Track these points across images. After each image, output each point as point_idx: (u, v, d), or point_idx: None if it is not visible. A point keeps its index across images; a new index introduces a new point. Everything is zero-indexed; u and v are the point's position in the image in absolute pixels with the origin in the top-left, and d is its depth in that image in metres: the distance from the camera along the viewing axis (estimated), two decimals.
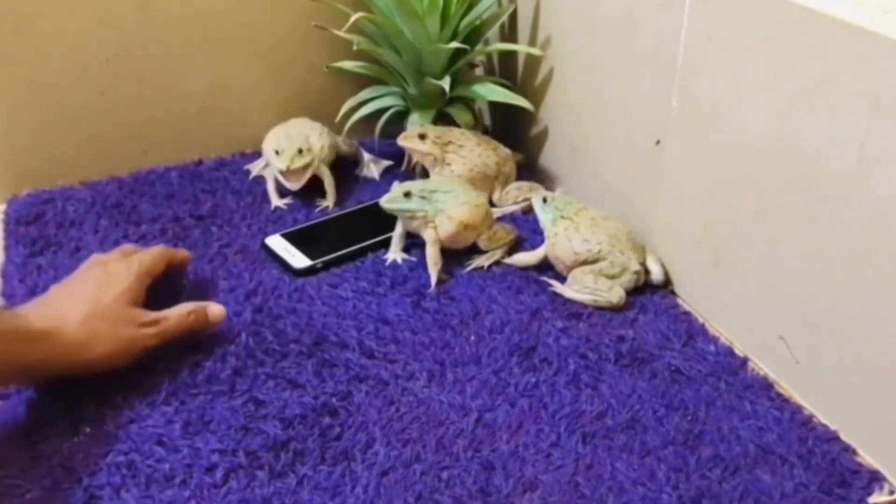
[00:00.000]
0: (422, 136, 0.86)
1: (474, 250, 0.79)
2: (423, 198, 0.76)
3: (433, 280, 0.75)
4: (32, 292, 0.74)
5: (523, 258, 0.78)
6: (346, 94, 0.92)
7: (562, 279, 0.76)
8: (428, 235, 0.76)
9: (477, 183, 0.86)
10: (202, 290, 0.75)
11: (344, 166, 0.94)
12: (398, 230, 0.79)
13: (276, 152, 0.85)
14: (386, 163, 0.95)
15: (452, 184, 0.80)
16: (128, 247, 0.71)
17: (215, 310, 0.68)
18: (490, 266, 0.78)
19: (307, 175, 0.86)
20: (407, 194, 0.76)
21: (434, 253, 0.76)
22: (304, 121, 0.91)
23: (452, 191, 0.78)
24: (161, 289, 0.70)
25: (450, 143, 0.86)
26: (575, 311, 0.73)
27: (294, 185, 0.86)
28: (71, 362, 0.60)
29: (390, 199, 0.76)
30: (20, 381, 0.63)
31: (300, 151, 0.85)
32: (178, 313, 0.66)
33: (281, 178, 0.86)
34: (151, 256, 0.69)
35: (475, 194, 0.80)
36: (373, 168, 0.94)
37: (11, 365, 0.58)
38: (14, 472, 0.57)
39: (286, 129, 0.89)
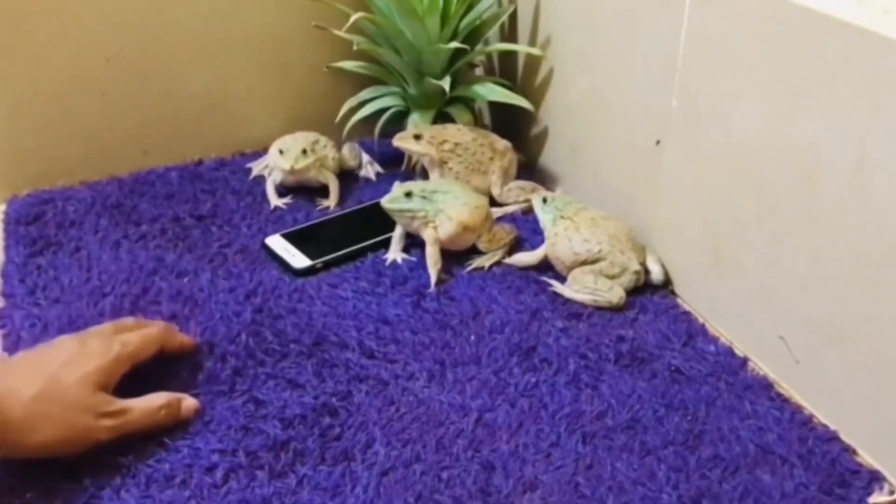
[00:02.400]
0: (417, 137, 0.86)
1: (474, 251, 0.79)
2: (423, 198, 0.76)
3: (433, 280, 0.75)
4: (32, 292, 0.74)
5: (523, 258, 0.78)
6: (346, 94, 0.92)
7: (562, 279, 0.76)
8: (428, 235, 0.76)
9: (475, 177, 0.86)
10: (197, 300, 0.75)
11: (344, 166, 0.94)
12: (398, 230, 0.80)
13: (281, 151, 0.86)
14: (379, 168, 0.95)
15: (452, 184, 0.80)
16: (127, 321, 0.65)
17: (189, 404, 0.62)
18: (490, 266, 0.78)
19: (310, 174, 0.87)
20: (408, 194, 0.76)
21: (434, 253, 0.76)
22: (311, 133, 0.91)
23: (452, 191, 0.78)
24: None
25: (445, 141, 0.86)
26: (575, 311, 0.73)
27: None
28: (11, 444, 0.54)
29: (391, 199, 0.76)
30: None
31: (304, 152, 0.86)
32: (146, 406, 0.59)
33: (284, 178, 0.87)
34: (140, 339, 0.62)
35: (475, 196, 0.80)
36: (370, 169, 0.94)
37: None
38: (14, 472, 0.57)
39: (293, 136, 0.90)
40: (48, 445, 0.55)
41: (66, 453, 0.56)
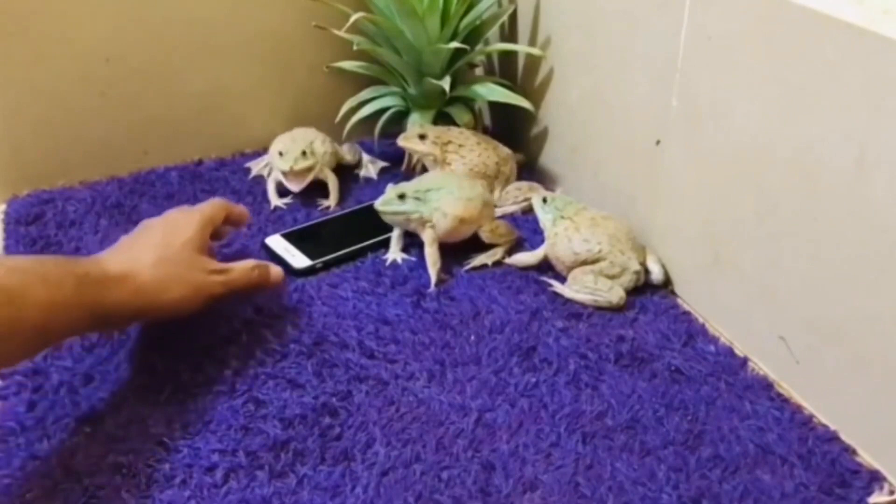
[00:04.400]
0: (421, 137, 0.86)
1: (476, 247, 0.79)
2: (417, 199, 0.76)
3: (433, 280, 0.75)
4: None
5: (523, 258, 0.78)
6: (346, 94, 0.92)
7: (562, 279, 0.76)
8: (426, 236, 0.76)
9: (477, 180, 0.86)
10: None
11: (344, 166, 0.94)
12: (397, 230, 0.79)
13: (280, 153, 0.86)
14: (381, 164, 0.95)
15: (445, 179, 0.79)
16: (183, 207, 0.72)
17: (276, 270, 0.70)
18: (491, 265, 0.78)
19: (309, 178, 0.87)
20: (401, 196, 0.76)
21: (433, 253, 0.76)
22: (309, 129, 0.91)
23: (445, 187, 0.77)
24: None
25: (449, 142, 0.87)
26: (575, 311, 0.73)
27: (296, 186, 0.86)
28: (146, 305, 0.61)
29: (385, 202, 0.76)
30: (95, 328, 0.63)
31: (304, 153, 0.86)
32: (242, 266, 0.68)
33: (283, 179, 0.87)
34: (211, 206, 0.70)
35: (469, 187, 0.78)
36: (370, 168, 0.94)
37: (87, 309, 0.56)
38: (14, 472, 0.57)
39: (291, 135, 0.90)
40: (177, 301, 0.62)
41: (192, 308, 0.64)
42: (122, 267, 0.60)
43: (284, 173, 0.86)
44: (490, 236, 0.79)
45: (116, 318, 0.61)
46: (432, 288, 0.75)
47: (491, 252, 0.79)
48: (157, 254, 0.62)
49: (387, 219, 0.77)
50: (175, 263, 0.63)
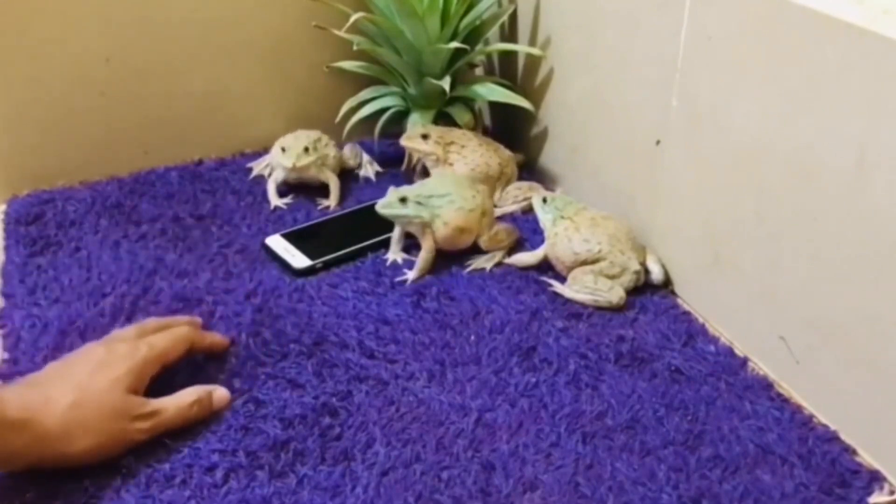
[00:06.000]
0: (424, 137, 0.86)
1: (475, 250, 0.79)
2: (418, 203, 0.76)
3: (412, 277, 0.76)
4: (32, 292, 0.74)
5: (523, 258, 0.78)
6: (346, 94, 0.92)
7: (562, 279, 0.76)
8: (425, 243, 0.76)
9: (479, 182, 0.86)
10: (204, 300, 0.75)
11: (345, 165, 0.94)
12: (397, 230, 0.79)
13: (283, 149, 0.87)
14: (378, 168, 0.95)
15: (448, 186, 0.79)
16: (150, 322, 0.65)
17: (220, 395, 0.62)
18: (491, 267, 0.78)
19: (311, 172, 0.87)
20: (403, 200, 0.76)
21: (427, 259, 0.76)
22: (313, 132, 0.91)
23: (448, 195, 0.77)
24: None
25: (452, 143, 0.87)
26: (575, 311, 0.73)
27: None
28: (49, 455, 0.55)
29: (386, 205, 0.76)
30: None
31: (306, 150, 0.86)
32: (178, 404, 0.60)
33: (285, 175, 0.88)
34: (168, 340, 0.62)
35: (471, 196, 0.78)
36: (369, 169, 0.94)
37: None
38: (14, 472, 0.57)
39: (295, 134, 0.90)
40: (87, 452, 0.55)
41: (104, 458, 0.57)
42: (23, 411, 0.53)
43: (287, 170, 0.87)
44: (489, 244, 0.79)
45: (11, 464, 0.56)
46: (410, 281, 0.75)
47: (490, 255, 0.79)
48: (73, 396, 0.55)
49: (389, 219, 0.77)
50: (91, 409, 0.55)
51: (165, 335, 0.63)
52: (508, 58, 0.97)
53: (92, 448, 0.56)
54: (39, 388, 0.56)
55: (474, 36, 0.91)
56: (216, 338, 0.67)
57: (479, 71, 1.00)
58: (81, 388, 0.56)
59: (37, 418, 0.53)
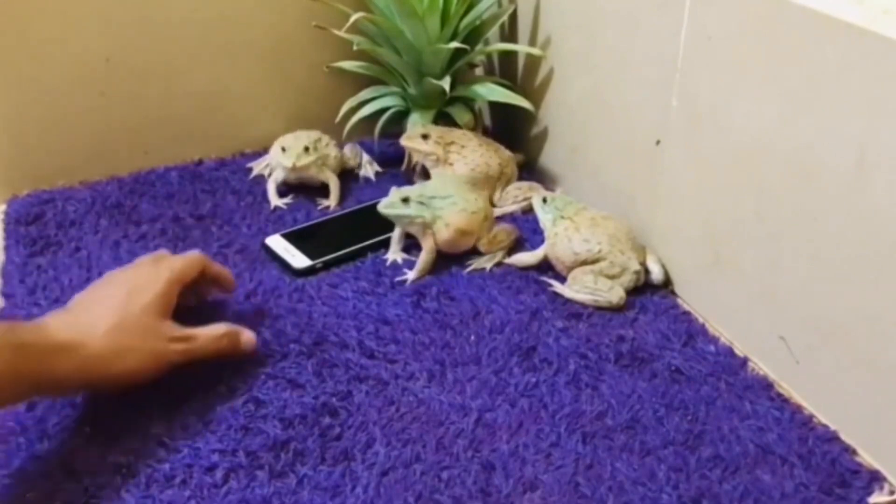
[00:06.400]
0: (424, 136, 0.86)
1: (475, 251, 0.79)
2: (421, 203, 0.76)
3: (412, 277, 0.75)
4: (32, 292, 0.74)
5: (523, 258, 0.78)
6: (346, 94, 0.92)
7: (562, 279, 0.76)
8: (426, 244, 0.76)
9: (479, 184, 0.86)
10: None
11: (345, 166, 0.94)
12: (397, 230, 0.79)
13: (283, 149, 0.87)
14: (377, 168, 0.95)
15: (450, 188, 0.79)
16: (162, 252, 0.67)
17: (247, 337, 0.65)
18: (490, 267, 0.78)
19: (311, 172, 0.87)
20: (405, 200, 0.76)
21: (427, 260, 0.76)
22: (313, 132, 0.91)
23: (450, 196, 0.77)
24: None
25: (452, 143, 0.87)
26: (575, 311, 0.73)
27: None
28: (96, 377, 0.57)
29: (388, 205, 0.76)
30: (42, 395, 0.60)
31: (306, 150, 0.86)
32: (209, 334, 0.62)
33: (285, 175, 0.88)
34: (185, 261, 0.65)
35: (474, 199, 0.79)
36: (369, 169, 0.94)
37: (32, 380, 0.54)
38: (14, 472, 0.57)
39: (295, 134, 0.90)
40: (131, 373, 0.58)
41: (146, 379, 0.59)
42: (68, 335, 0.55)
43: (287, 169, 0.87)
44: (488, 247, 0.79)
45: (63, 388, 0.59)
46: (409, 281, 0.75)
47: (490, 256, 0.79)
48: (111, 320, 0.57)
49: (391, 219, 0.77)
50: (131, 331, 0.58)
51: (181, 257, 0.66)
52: (508, 58, 0.97)
53: (136, 368, 0.58)
54: (76, 315, 0.59)
55: (474, 36, 0.91)
56: (223, 269, 0.70)
57: (479, 71, 1.01)
58: (121, 310, 0.58)
59: (85, 341, 0.56)
